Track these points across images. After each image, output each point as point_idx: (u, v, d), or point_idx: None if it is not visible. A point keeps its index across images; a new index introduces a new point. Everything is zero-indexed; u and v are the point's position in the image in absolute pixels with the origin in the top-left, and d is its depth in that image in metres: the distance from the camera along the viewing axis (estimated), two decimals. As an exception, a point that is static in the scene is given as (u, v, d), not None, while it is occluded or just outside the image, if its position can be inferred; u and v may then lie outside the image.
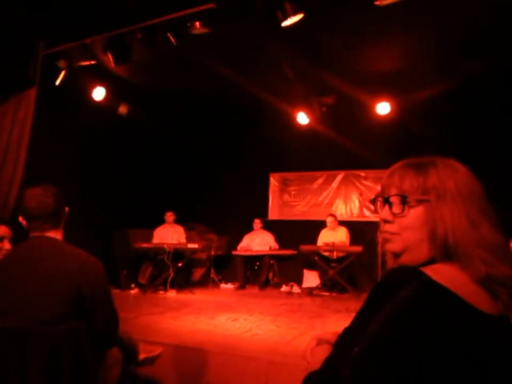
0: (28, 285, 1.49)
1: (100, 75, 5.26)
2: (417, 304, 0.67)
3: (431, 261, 0.76)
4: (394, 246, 0.80)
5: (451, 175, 0.77)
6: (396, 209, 0.79)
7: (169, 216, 6.57)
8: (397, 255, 0.81)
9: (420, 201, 0.77)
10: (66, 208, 1.72)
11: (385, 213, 0.81)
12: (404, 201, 0.78)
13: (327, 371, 0.70)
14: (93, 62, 4.40)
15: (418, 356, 0.65)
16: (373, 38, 4.70)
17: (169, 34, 3.97)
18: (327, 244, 6.13)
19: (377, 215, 0.86)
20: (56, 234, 1.65)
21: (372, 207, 0.85)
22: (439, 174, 0.77)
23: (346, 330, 0.73)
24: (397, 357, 0.65)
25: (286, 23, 3.97)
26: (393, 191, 0.80)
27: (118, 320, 1.71)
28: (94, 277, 1.57)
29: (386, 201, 0.81)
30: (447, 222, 0.73)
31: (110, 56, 4.18)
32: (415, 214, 0.77)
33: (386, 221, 0.81)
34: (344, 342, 0.71)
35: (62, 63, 4.40)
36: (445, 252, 0.74)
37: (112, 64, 4.25)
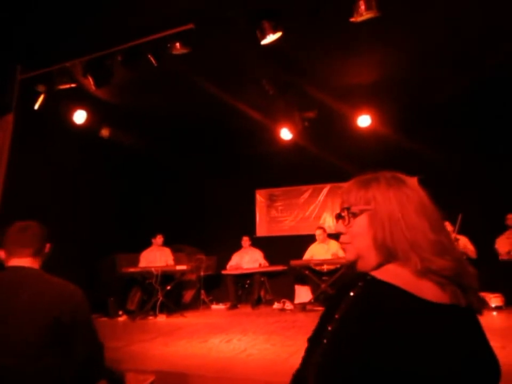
0: (4, 317, 1.41)
1: (81, 98, 5.21)
2: (364, 301, 0.74)
3: (380, 265, 0.83)
4: (348, 255, 0.90)
5: (391, 186, 0.86)
6: (346, 220, 0.89)
7: (159, 238, 6.44)
8: (353, 264, 0.89)
9: (362, 211, 0.86)
10: (48, 244, 1.68)
11: (339, 226, 0.91)
12: (349, 212, 0.88)
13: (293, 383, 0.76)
14: (73, 85, 4.36)
15: (373, 348, 0.70)
16: (351, 53, 4.80)
17: (149, 56, 3.97)
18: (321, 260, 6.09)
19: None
20: (33, 264, 1.59)
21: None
22: (379, 186, 0.87)
23: (309, 341, 0.79)
24: (354, 353, 0.70)
25: (265, 41, 4.02)
26: (344, 205, 0.90)
27: (103, 350, 1.60)
28: (74, 304, 1.48)
29: (339, 216, 0.91)
30: (385, 226, 0.82)
31: (90, 79, 4.14)
32: (360, 222, 0.87)
33: (341, 233, 0.91)
34: (307, 352, 0.77)
35: (41, 87, 4.35)
36: (387, 254, 0.82)
37: (93, 87, 4.22)
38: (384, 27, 4.25)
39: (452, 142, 6.03)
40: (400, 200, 0.83)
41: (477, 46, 4.51)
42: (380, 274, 0.79)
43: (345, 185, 0.94)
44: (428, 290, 0.77)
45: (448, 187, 5.38)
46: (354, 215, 0.87)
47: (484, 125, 6.01)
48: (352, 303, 0.73)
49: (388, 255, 0.82)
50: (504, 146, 5.93)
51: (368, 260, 0.85)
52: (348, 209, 0.89)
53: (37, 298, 1.44)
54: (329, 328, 0.72)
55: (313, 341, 0.76)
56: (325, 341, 0.72)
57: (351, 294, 0.75)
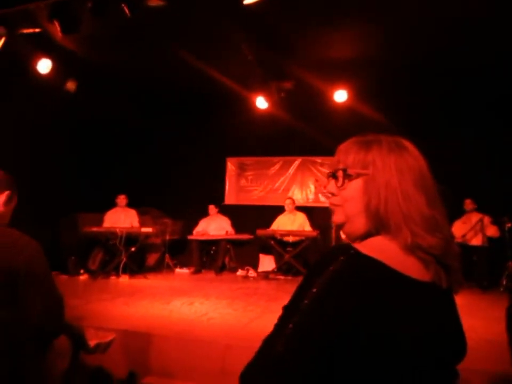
0: None
1: (46, 46, 4.84)
2: (343, 276, 0.71)
3: (368, 234, 0.81)
4: (336, 217, 0.87)
5: (392, 151, 0.82)
6: (339, 182, 0.85)
7: (122, 199, 6.31)
8: (340, 226, 0.87)
9: (359, 174, 0.82)
10: (7, 192, 1.56)
11: (330, 186, 0.87)
12: (345, 174, 0.83)
13: (263, 349, 0.72)
14: (37, 31, 4.04)
15: (348, 326, 0.68)
16: (331, 26, 4.73)
17: (123, 5, 3.72)
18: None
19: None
20: None
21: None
22: (380, 150, 0.82)
23: (284, 308, 0.75)
24: (327, 329, 0.69)
25: (247, 1, 3.87)
26: (339, 166, 0.85)
27: (62, 304, 1.53)
28: (29, 255, 1.39)
29: (333, 175, 0.87)
30: (381, 194, 0.78)
31: (56, 24, 3.85)
32: (354, 186, 0.83)
33: (332, 194, 0.87)
34: (280, 320, 0.74)
35: (1, 29, 4.00)
36: (378, 223, 0.79)
37: (59, 34, 3.93)
38: (365, 2, 4.19)
39: (423, 120, 6.12)
40: (400, 168, 0.80)
41: (457, 24, 4.52)
42: (364, 247, 0.76)
43: (342, 145, 0.88)
44: (412, 267, 0.75)
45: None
46: (350, 178, 0.83)
47: (456, 106, 6.13)
48: (331, 277, 0.71)
49: (378, 225, 0.79)
50: (466, 130, 6.09)
51: (357, 225, 0.82)
52: (344, 170, 0.84)
53: None
54: (306, 301, 0.70)
55: (288, 310, 0.73)
56: (299, 311, 0.70)
57: (331, 268, 0.71)
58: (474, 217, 5.74)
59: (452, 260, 0.78)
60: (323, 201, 7.16)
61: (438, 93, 6.01)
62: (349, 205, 0.83)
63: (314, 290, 0.71)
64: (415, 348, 0.71)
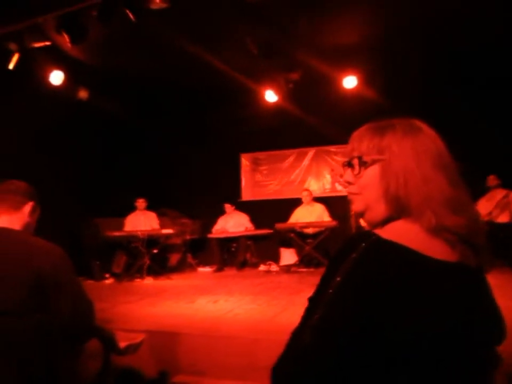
0: None
1: (57, 58, 4.95)
2: (366, 263, 0.71)
3: (389, 219, 0.80)
4: (356, 206, 0.86)
5: (407, 134, 0.80)
6: (356, 170, 0.83)
7: (141, 202, 6.40)
8: (360, 215, 0.85)
9: (375, 161, 0.81)
10: (31, 203, 1.61)
11: (347, 175, 0.86)
12: (361, 161, 0.82)
13: (291, 341, 0.72)
14: (47, 43, 4.12)
15: (374, 314, 0.67)
16: (336, 10, 4.65)
17: (127, 10, 3.76)
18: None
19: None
20: (12, 223, 1.54)
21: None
22: (395, 134, 0.81)
23: (309, 300, 0.75)
24: (353, 319, 0.68)
25: (250, -3, 3.85)
26: (354, 154, 0.84)
27: (92, 308, 1.58)
28: (54, 259, 1.43)
29: (349, 164, 0.85)
30: (399, 178, 0.77)
31: (65, 36, 3.92)
32: (371, 173, 0.81)
33: (349, 183, 0.86)
34: (306, 312, 0.74)
35: (13, 46, 4.10)
36: (398, 207, 0.78)
37: (68, 45, 4.00)
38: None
39: (436, 104, 6.00)
40: (417, 151, 0.78)
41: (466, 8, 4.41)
42: (385, 233, 0.75)
43: (355, 132, 0.86)
44: (437, 248, 0.73)
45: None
46: (365, 165, 0.82)
47: (465, 88, 5.99)
48: (353, 265, 0.70)
49: (399, 209, 0.78)
50: (482, 107, 5.92)
51: (377, 212, 0.81)
52: (359, 158, 0.82)
53: (16, 257, 1.40)
54: (330, 291, 0.70)
55: (313, 301, 0.73)
56: (324, 302, 0.70)
57: (353, 255, 0.71)
58: (499, 193, 5.53)
59: (479, 238, 0.76)
60: (340, 190, 7.11)
61: (450, 72, 5.87)
62: (367, 192, 0.82)
63: (338, 279, 0.70)
64: (445, 331, 0.69)
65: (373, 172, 0.81)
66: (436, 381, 0.69)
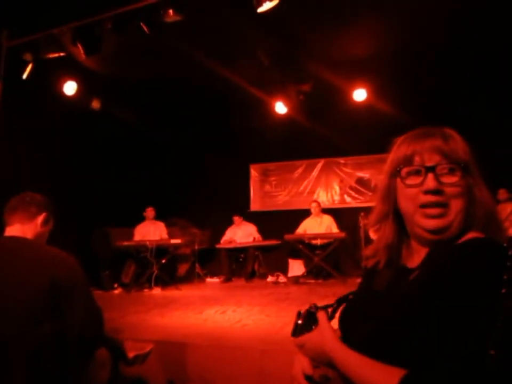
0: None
1: (71, 68, 5.05)
2: None
3: (462, 234, 0.73)
4: (444, 219, 0.73)
5: (463, 141, 0.77)
6: (448, 178, 0.74)
7: (150, 211, 6.43)
8: (440, 231, 0.73)
9: (467, 166, 0.74)
10: (44, 213, 1.64)
11: (430, 182, 0.74)
12: (460, 167, 0.74)
13: (456, 353, 0.61)
14: (62, 54, 4.21)
15: None
16: (347, 24, 4.69)
17: (141, 23, 3.83)
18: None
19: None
20: (25, 232, 1.56)
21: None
22: (463, 142, 0.76)
23: (461, 311, 0.64)
24: None
25: (261, 9, 3.90)
26: (435, 159, 0.75)
27: (102, 317, 1.59)
28: (68, 268, 1.45)
29: (431, 170, 0.74)
30: (478, 191, 0.72)
31: (80, 47, 4.00)
32: (460, 182, 0.74)
33: (433, 192, 0.74)
34: (467, 322, 0.62)
35: (28, 56, 4.19)
36: (467, 220, 0.72)
37: (83, 56, 4.08)
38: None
39: (447, 116, 5.98)
40: (474, 160, 0.75)
41: (474, 13, 4.41)
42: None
43: (419, 136, 0.78)
44: None
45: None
46: (454, 174, 0.73)
47: (485, 97, 5.95)
48: None
49: (467, 223, 0.72)
50: (492, 118, 5.88)
51: (457, 226, 0.72)
52: (459, 164, 0.73)
53: (31, 265, 1.42)
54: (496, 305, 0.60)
55: (475, 311, 0.63)
56: (495, 313, 0.60)
57: (509, 264, 0.62)
58: (510, 207, 5.50)
59: None
60: (349, 201, 7.08)
61: (460, 83, 5.86)
62: (457, 203, 0.74)
63: (503, 291, 0.61)
64: None
65: (461, 181, 0.74)
66: None
